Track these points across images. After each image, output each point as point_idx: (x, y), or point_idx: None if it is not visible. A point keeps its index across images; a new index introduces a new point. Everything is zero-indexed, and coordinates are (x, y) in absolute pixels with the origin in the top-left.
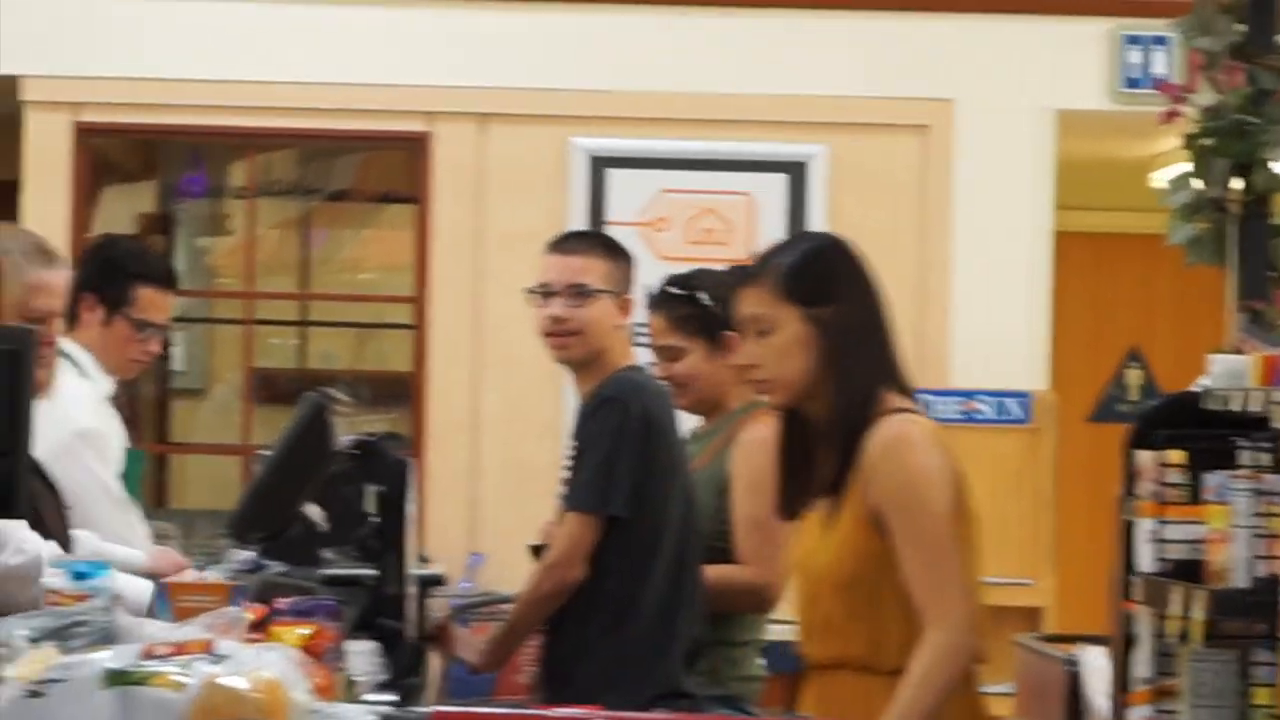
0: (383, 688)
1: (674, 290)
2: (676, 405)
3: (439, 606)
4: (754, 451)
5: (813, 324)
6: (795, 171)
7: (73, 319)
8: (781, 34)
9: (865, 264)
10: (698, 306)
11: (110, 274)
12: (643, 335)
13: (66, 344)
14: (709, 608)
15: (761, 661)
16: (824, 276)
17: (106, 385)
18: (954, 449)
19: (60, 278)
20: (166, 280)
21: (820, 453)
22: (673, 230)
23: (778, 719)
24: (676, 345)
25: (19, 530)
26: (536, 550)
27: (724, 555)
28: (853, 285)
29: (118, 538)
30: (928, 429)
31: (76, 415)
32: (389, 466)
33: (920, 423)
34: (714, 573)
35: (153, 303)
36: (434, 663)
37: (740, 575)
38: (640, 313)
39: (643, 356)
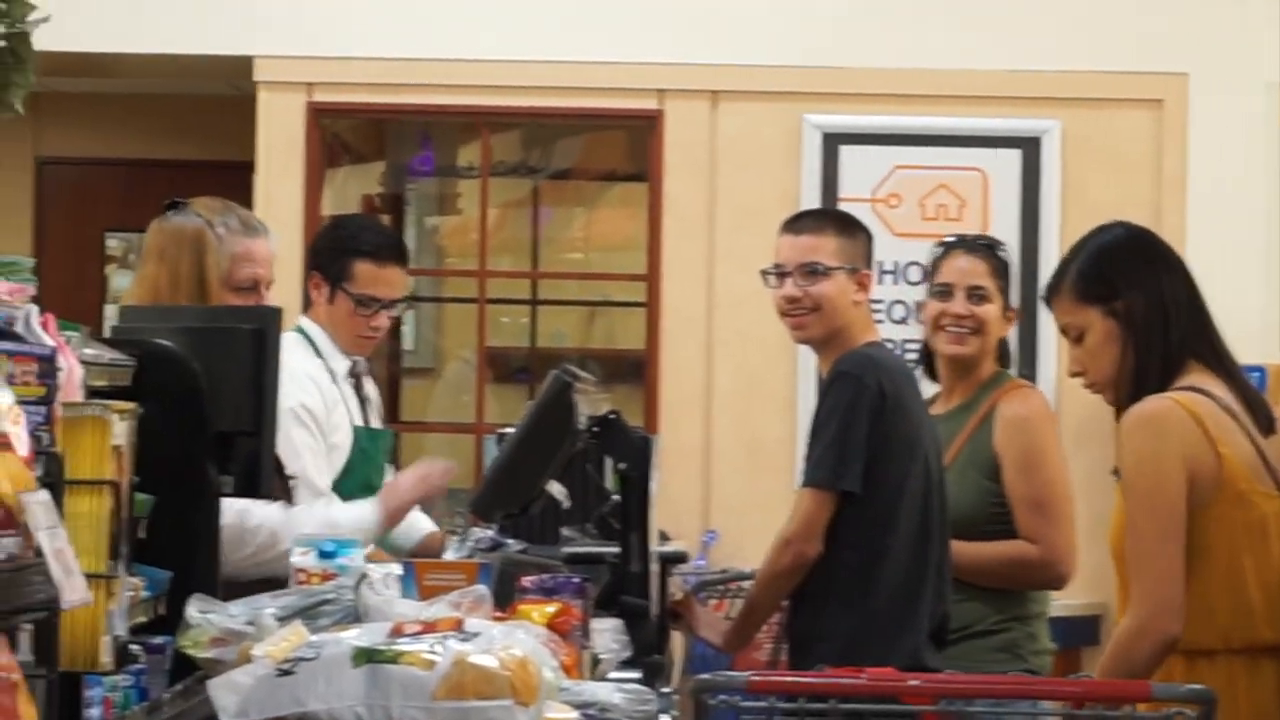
0: (627, 665)
1: (998, 250)
2: (953, 349)
3: (676, 585)
4: (1018, 429)
5: (1113, 319)
6: (1029, 147)
7: (306, 299)
8: (1015, 9)
9: (1159, 247)
10: (1008, 270)
11: (330, 251)
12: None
13: (305, 322)
14: (1002, 585)
15: (1052, 645)
16: (1113, 271)
17: (342, 364)
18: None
19: (263, 247)
20: (382, 254)
21: None
22: (906, 206)
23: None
24: (989, 289)
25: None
26: None
27: (1002, 536)
28: (1143, 273)
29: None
30: (1179, 408)
31: (292, 391)
32: (631, 443)
33: (1174, 401)
34: (1006, 550)
35: (372, 277)
36: (677, 640)
37: (1030, 552)
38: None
39: (888, 332)
